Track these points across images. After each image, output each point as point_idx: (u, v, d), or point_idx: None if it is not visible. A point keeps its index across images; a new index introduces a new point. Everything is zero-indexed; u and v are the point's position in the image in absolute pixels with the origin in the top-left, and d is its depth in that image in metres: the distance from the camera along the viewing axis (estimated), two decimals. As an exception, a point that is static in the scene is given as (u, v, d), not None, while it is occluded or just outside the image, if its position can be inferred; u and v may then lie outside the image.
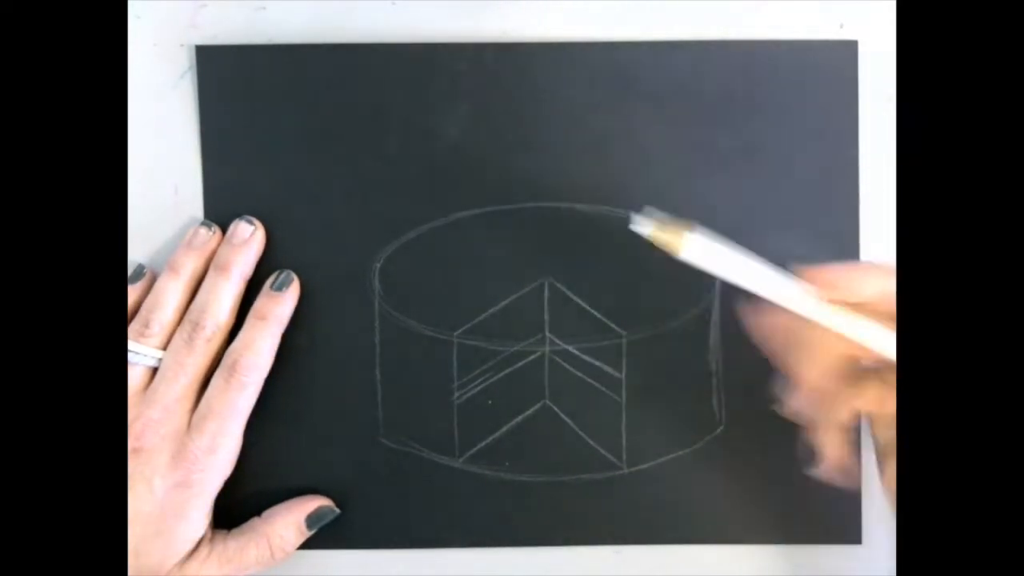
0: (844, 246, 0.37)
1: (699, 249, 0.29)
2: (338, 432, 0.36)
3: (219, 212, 0.36)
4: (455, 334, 0.36)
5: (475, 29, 0.37)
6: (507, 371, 0.36)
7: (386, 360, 0.36)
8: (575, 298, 0.37)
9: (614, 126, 0.36)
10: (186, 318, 0.35)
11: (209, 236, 0.36)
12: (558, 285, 0.37)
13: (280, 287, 0.35)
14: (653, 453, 0.37)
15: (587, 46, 0.36)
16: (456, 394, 0.36)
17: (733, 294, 0.36)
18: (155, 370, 0.34)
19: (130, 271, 0.36)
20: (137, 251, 0.37)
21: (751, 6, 0.37)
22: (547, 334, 0.36)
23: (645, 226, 0.29)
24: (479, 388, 0.36)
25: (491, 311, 0.36)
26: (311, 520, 0.35)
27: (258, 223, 0.36)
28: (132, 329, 0.35)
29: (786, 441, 0.34)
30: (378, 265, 0.36)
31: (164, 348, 0.35)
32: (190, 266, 0.35)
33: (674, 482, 0.37)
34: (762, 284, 0.29)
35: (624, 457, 0.37)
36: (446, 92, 0.36)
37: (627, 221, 0.36)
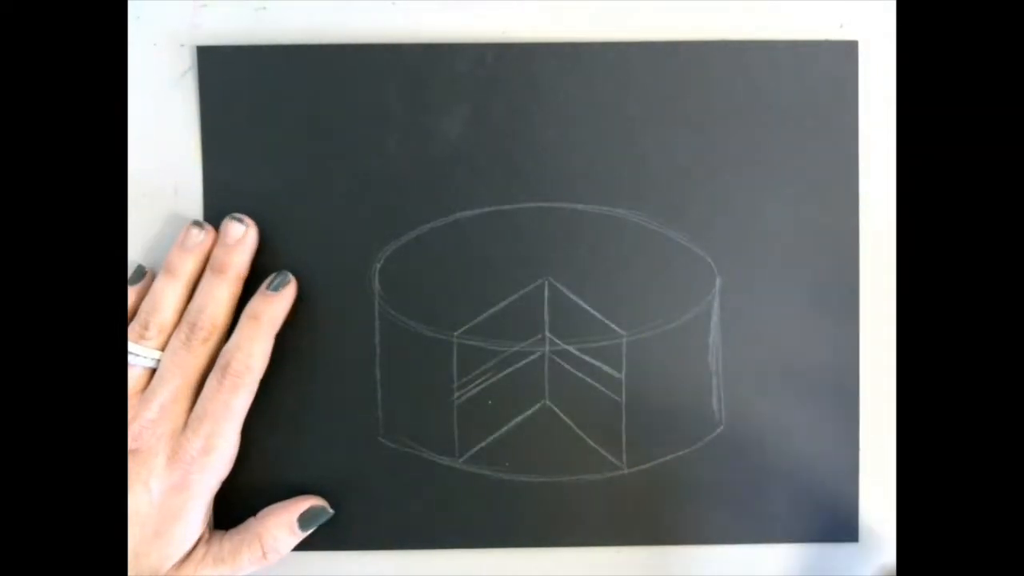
0: (844, 246, 0.37)
1: None
2: (338, 432, 0.36)
3: (219, 212, 0.36)
4: (455, 334, 0.36)
5: (475, 29, 0.37)
6: (507, 371, 0.36)
7: (386, 360, 0.36)
8: (575, 298, 0.37)
9: (614, 126, 0.36)
10: (184, 319, 0.35)
11: (202, 236, 0.35)
12: (558, 285, 0.37)
13: (276, 288, 0.35)
14: (653, 453, 0.37)
15: (587, 46, 0.36)
16: (456, 394, 0.36)
17: (733, 295, 0.37)
18: (154, 371, 0.34)
19: (130, 272, 0.36)
20: (137, 251, 0.37)
21: (751, 6, 0.37)
22: (547, 334, 0.36)
23: None
24: (479, 388, 0.36)
25: (491, 311, 0.36)
26: (304, 520, 0.35)
27: (249, 221, 0.36)
28: (131, 331, 0.34)
29: (785, 441, 0.34)
30: (378, 265, 0.36)
31: (163, 349, 0.35)
32: (186, 267, 0.35)
33: (674, 482, 0.37)
34: None
35: (624, 457, 0.37)
36: (446, 92, 0.36)
37: (627, 221, 0.37)
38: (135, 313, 0.35)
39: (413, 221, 0.36)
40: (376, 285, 0.36)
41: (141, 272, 0.36)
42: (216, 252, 0.35)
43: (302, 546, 0.36)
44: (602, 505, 0.37)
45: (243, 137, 0.36)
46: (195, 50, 0.36)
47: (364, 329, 0.36)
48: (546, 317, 0.36)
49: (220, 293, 0.35)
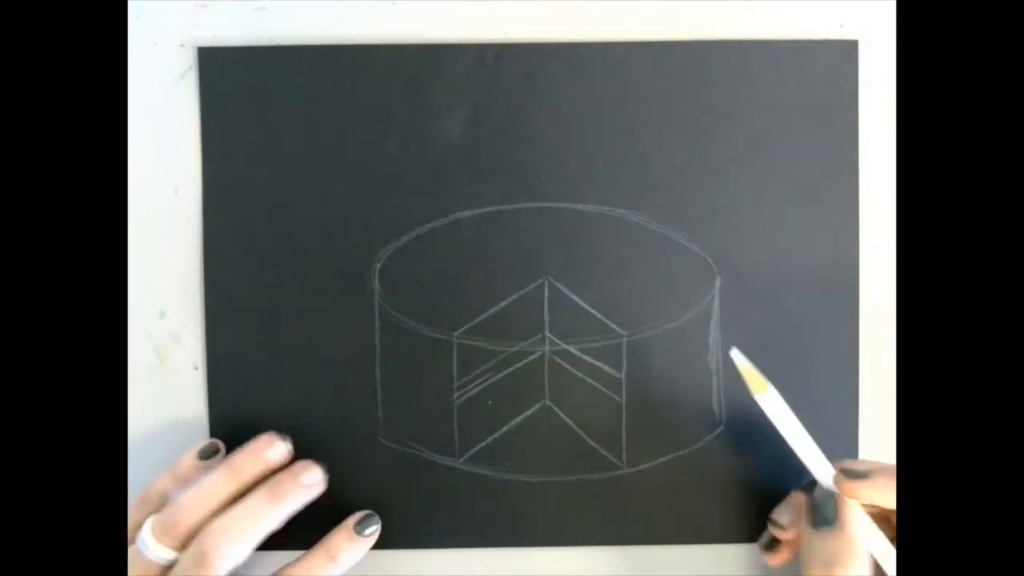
0: (844, 246, 0.37)
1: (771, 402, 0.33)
2: (338, 432, 0.36)
3: (219, 213, 0.36)
4: (455, 334, 0.36)
5: (476, 30, 0.37)
6: (507, 371, 0.36)
7: (386, 360, 0.36)
8: (575, 298, 0.37)
9: (614, 126, 0.37)
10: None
11: (281, 454, 0.34)
12: (558, 285, 0.37)
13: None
14: (653, 453, 0.37)
15: (587, 46, 0.36)
16: (456, 394, 0.36)
17: (733, 295, 0.37)
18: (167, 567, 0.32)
19: (202, 447, 0.34)
20: (138, 251, 0.37)
21: (751, 6, 0.37)
22: (547, 334, 0.36)
23: (739, 359, 0.33)
24: (479, 388, 0.36)
25: (491, 311, 0.36)
26: (359, 526, 0.35)
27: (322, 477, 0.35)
28: (156, 527, 0.32)
29: (785, 441, 0.34)
30: (378, 265, 0.36)
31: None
32: (251, 477, 0.34)
33: (674, 482, 0.37)
34: (801, 450, 0.33)
35: (624, 457, 0.37)
36: (446, 92, 0.36)
37: (627, 221, 0.37)
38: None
39: (413, 221, 0.36)
40: (376, 285, 0.36)
41: (213, 449, 0.35)
42: (288, 486, 0.34)
43: (302, 545, 0.36)
44: (602, 505, 0.37)
45: (243, 137, 0.36)
46: (195, 50, 0.36)
47: (364, 329, 0.36)
48: (546, 317, 0.36)
49: (268, 522, 0.33)
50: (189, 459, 0.35)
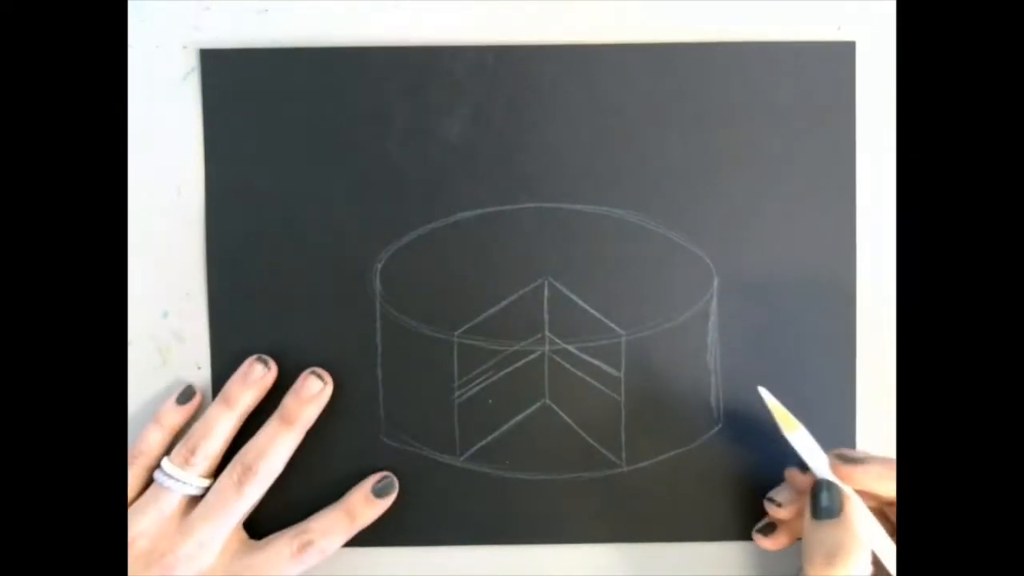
0: (840, 246, 0.37)
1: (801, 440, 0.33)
2: (340, 431, 0.37)
3: (221, 214, 0.37)
4: (456, 334, 0.37)
5: (476, 32, 0.37)
6: (507, 370, 0.37)
7: (387, 360, 0.37)
8: (575, 298, 0.37)
9: (614, 127, 0.37)
10: (239, 459, 0.35)
11: (264, 372, 0.36)
12: (558, 285, 0.37)
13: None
14: (652, 451, 0.37)
15: (586, 48, 0.37)
16: (457, 393, 0.37)
17: (731, 295, 0.37)
18: (194, 498, 0.35)
19: (180, 391, 0.36)
20: (141, 252, 0.37)
21: (750, 8, 0.37)
22: (547, 333, 0.37)
23: (769, 398, 0.34)
24: (480, 387, 0.37)
25: (491, 311, 0.37)
26: (378, 489, 0.36)
27: (328, 379, 0.36)
28: (178, 455, 0.34)
29: (783, 439, 0.35)
30: (379, 265, 0.37)
31: (206, 477, 0.35)
32: (244, 400, 0.35)
33: (673, 480, 0.37)
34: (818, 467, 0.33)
35: (623, 455, 0.37)
36: (447, 94, 0.37)
37: (626, 221, 0.37)
38: (181, 434, 0.36)
39: (414, 222, 0.37)
40: (377, 285, 0.37)
41: (191, 393, 0.36)
42: (289, 402, 0.35)
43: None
44: (601, 502, 0.37)
45: (245, 138, 0.37)
46: (198, 52, 0.37)
47: (366, 329, 0.37)
48: (546, 316, 0.37)
49: (284, 443, 0.35)
50: (170, 406, 0.36)
